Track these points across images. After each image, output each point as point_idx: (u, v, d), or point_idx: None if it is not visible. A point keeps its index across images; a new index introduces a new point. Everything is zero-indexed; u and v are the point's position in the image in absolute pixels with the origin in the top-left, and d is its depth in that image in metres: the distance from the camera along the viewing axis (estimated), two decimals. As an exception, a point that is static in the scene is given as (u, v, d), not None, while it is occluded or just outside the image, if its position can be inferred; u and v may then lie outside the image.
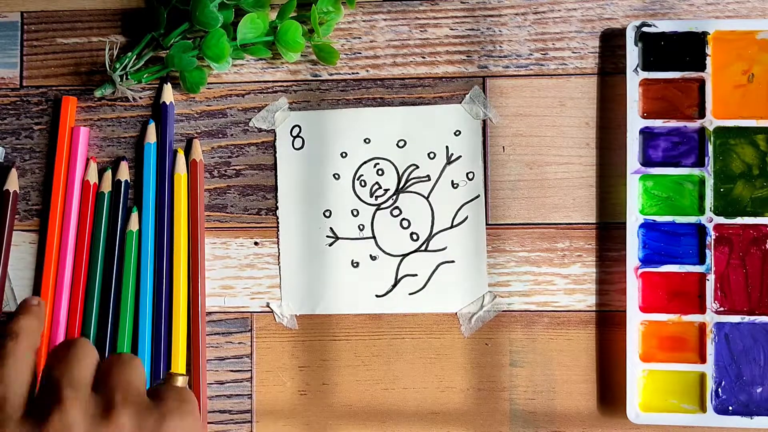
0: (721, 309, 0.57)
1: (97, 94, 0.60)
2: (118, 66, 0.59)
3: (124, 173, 0.60)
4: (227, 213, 0.61)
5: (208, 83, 0.61)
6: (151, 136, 0.60)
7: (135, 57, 0.59)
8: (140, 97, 0.61)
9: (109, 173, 0.60)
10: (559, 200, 0.59)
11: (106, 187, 0.60)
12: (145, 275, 0.59)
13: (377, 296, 0.60)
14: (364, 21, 0.61)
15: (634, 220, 0.57)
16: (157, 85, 0.61)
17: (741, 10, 0.59)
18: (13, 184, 0.61)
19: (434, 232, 0.60)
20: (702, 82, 0.57)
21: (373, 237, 0.60)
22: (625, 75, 0.57)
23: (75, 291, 0.59)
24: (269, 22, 0.59)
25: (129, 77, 0.59)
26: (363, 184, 0.60)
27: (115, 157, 0.61)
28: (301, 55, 0.60)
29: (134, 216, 0.60)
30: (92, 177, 0.60)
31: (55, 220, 0.60)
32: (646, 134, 0.58)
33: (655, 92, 0.58)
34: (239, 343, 0.60)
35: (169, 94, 0.60)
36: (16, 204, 0.61)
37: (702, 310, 0.57)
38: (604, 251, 0.59)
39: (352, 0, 0.59)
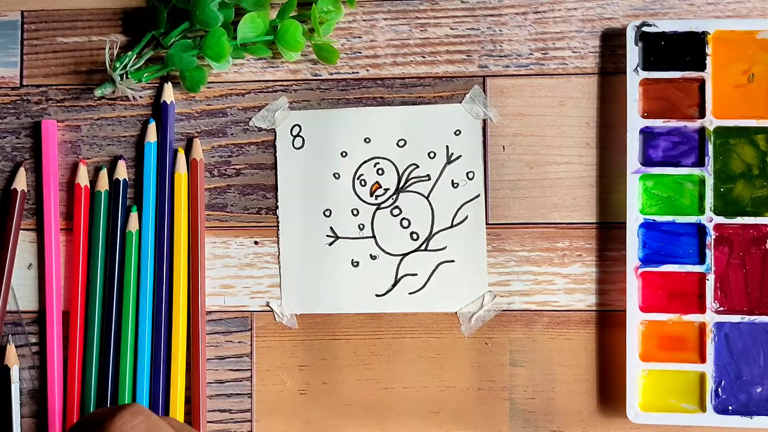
0: (721, 309, 0.57)
1: (98, 93, 0.60)
2: (118, 65, 0.59)
3: (122, 172, 0.60)
4: (227, 212, 0.61)
5: (209, 82, 0.61)
6: (152, 135, 0.60)
7: (135, 56, 0.59)
8: (140, 96, 0.61)
9: (104, 172, 0.60)
10: (559, 200, 0.59)
11: (103, 186, 0.60)
12: (146, 274, 0.59)
13: (377, 296, 0.60)
14: (364, 20, 0.61)
15: (634, 219, 0.57)
16: (157, 85, 0.61)
17: (741, 10, 0.59)
18: (20, 182, 0.61)
19: (434, 231, 0.60)
20: (702, 82, 0.57)
21: (373, 236, 0.60)
22: (625, 75, 0.57)
23: (74, 292, 0.59)
24: (269, 22, 0.59)
25: (129, 76, 0.59)
26: (363, 183, 0.60)
27: (114, 157, 0.61)
28: (302, 55, 0.60)
29: (134, 216, 0.60)
30: (83, 180, 0.60)
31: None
32: (646, 134, 0.58)
33: (655, 92, 0.58)
34: (239, 342, 0.60)
35: (169, 94, 0.60)
36: (23, 203, 0.61)
37: (702, 309, 0.57)
38: (604, 251, 0.59)
39: (353, -1, 0.59)
